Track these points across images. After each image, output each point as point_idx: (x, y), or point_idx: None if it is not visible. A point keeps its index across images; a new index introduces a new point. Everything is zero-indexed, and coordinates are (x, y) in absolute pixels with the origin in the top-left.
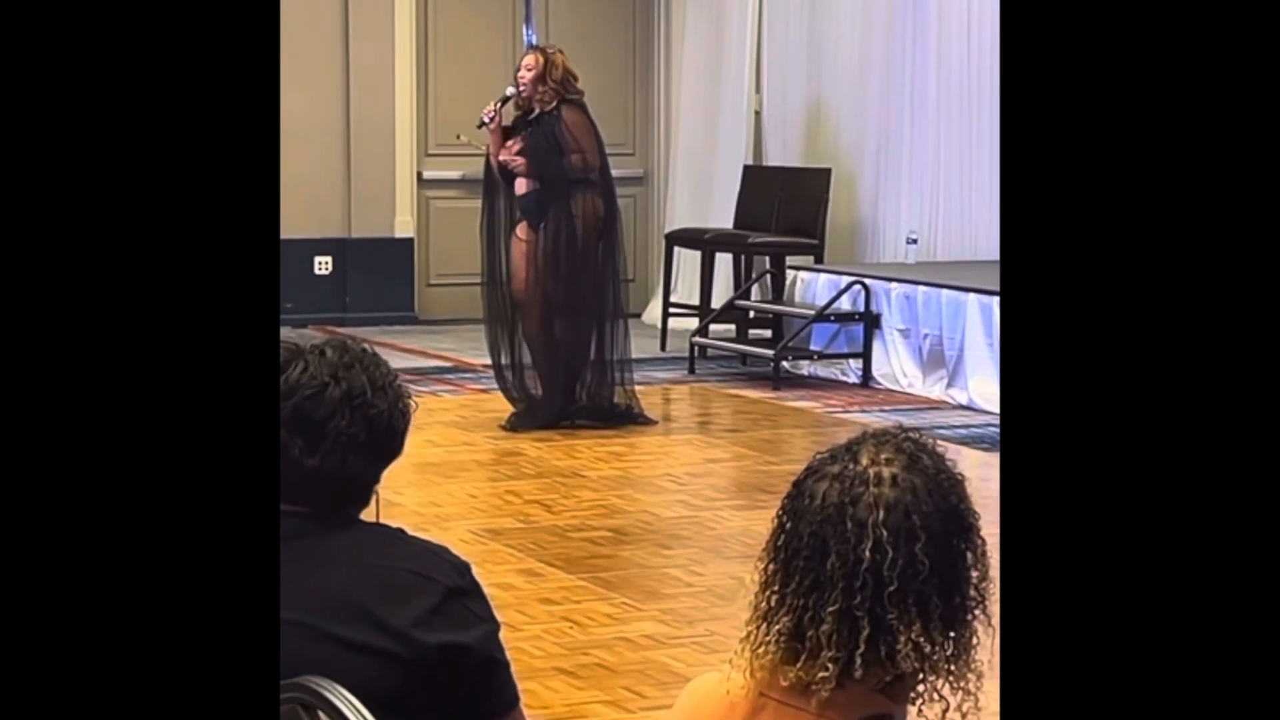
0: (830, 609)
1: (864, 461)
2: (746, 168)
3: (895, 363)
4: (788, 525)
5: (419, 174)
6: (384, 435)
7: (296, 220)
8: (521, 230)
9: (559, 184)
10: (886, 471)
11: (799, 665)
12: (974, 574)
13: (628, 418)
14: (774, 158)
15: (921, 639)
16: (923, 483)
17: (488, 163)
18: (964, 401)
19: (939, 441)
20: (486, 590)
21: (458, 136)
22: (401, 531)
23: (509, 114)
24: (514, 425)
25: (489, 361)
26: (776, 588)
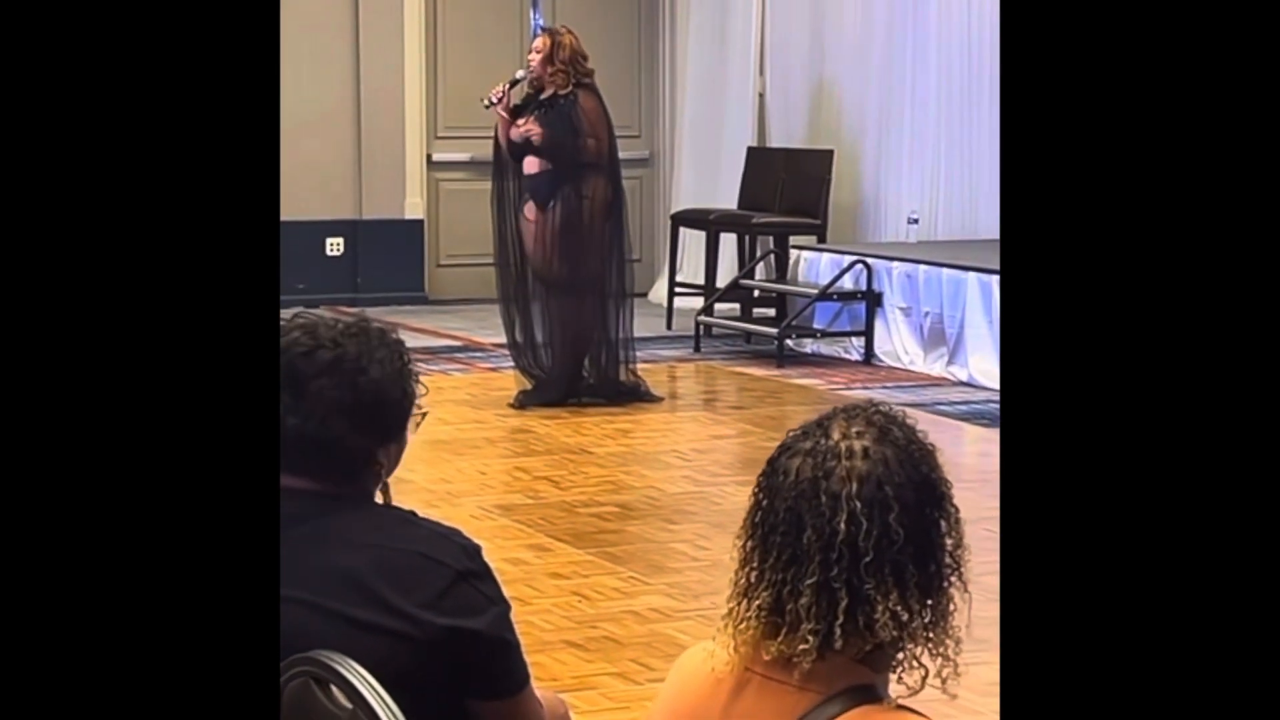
0: (808, 582)
1: (835, 436)
2: (750, 149)
3: (897, 340)
4: (764, 502)
5: (428, 156)
6: (371, 406)
7: (308, 202)
8: (529, 210)
9: (573, 166)
10: (858, 445)
11: (780, 639)
12: (948, 542)
13: (634, 395)
14: (777, 139)
15: (899, 608)
16: (894, 454)
17: (496, 142)
18: (964, 378)
19: (908, 413)
20: (496, 565)
21: (482, 99)
22: (413, 514)
23: (518, 95)
24: (523, 403)
25: (498, 340)
26: (755, 564)
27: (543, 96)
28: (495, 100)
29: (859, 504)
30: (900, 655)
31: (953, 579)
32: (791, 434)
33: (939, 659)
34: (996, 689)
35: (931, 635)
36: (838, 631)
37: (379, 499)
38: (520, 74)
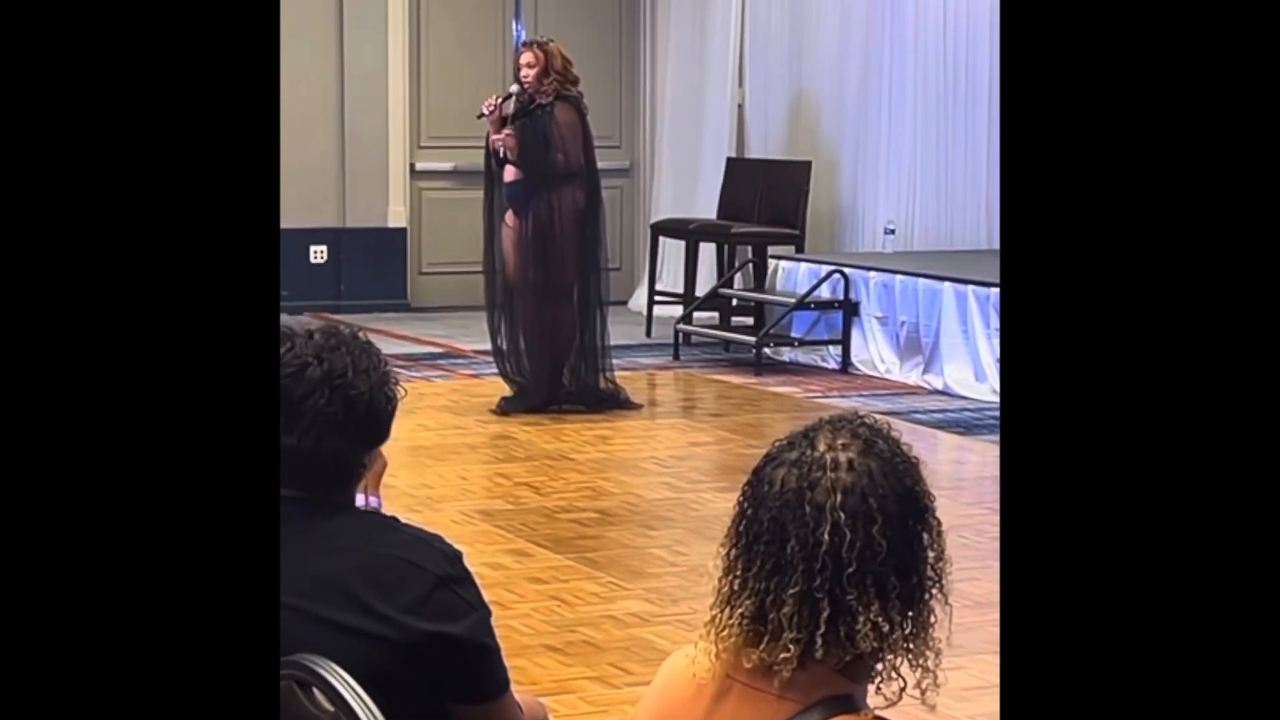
0: (791, 591)
1: (821, 447)
2: (729, 160)
3: (873, 349)
4: (749, 511)
5: (412, 165)
6: (364, 417)
7: (292, 210)
8: (509, 218)
9: (542, 177)
10: (843, 456)
11: (761, 647)
12: (930, 554)
13: (614, 402)
14: (756, 150)
15: (880, 619)
16: (878, 466)
17: (488, 152)
18: (939, 386)
19: (892, 424)
20: (477, 570)
21: (479, 114)
22: (394, 520)
23: (510, 107)
24: (504, 409)
25: (479, 347)
26: (739, 572)
27: (530, 107)
28: (487, 111)
29: (843, 515)
30: (880, 666)
31: (934, 591)
32: (777, 444)
33: (919, 670)
34: (971, 694)
35: (912, 646)
36: (819, 641)
37: (373, 502)
38: (514, 88)
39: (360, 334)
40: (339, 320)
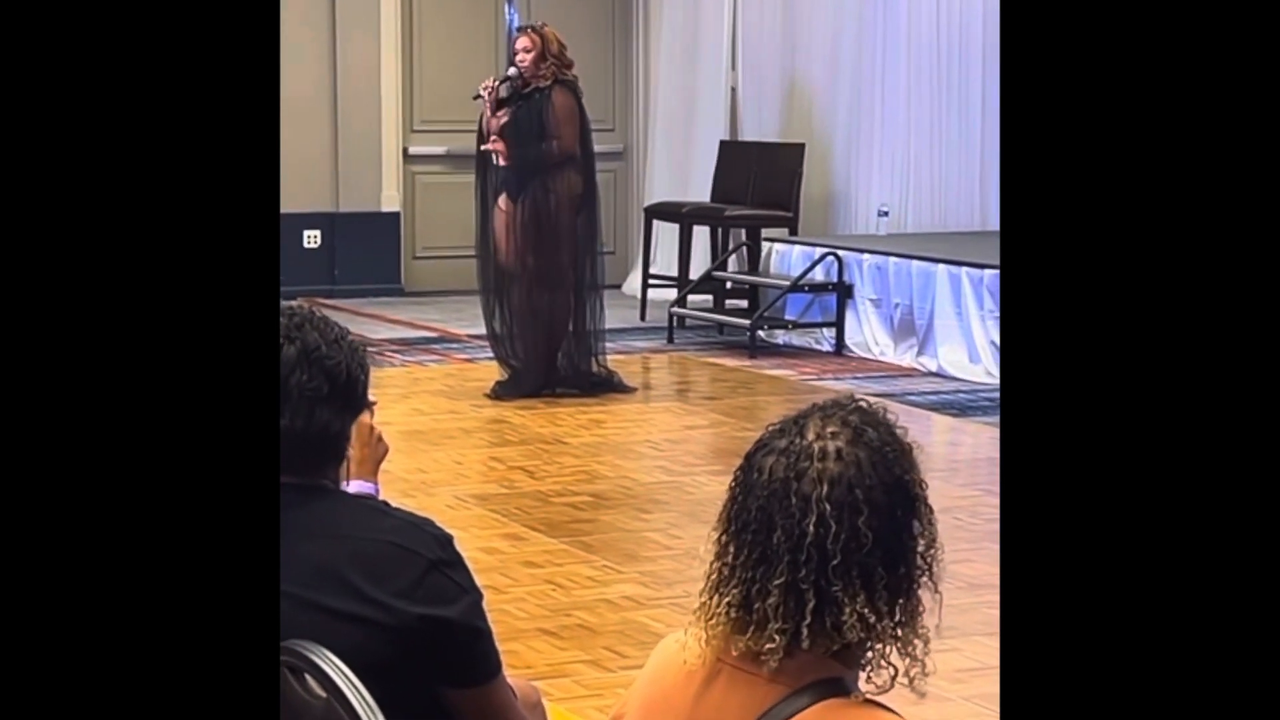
0: (776, 582)
1: (810, 436)
2: (723, 143)
3: (867, 331)
4: (738, 498)
5: (405, 149)
6: (346, 385)
7: (286, 195)
8: (503, 202)
9: (535, 165)
10: (831, 446)
11: (748, 635)
12: (920, 543)
13: (608, 386)
14: (750, 133)
15: (866, 610)
16: (867, 456)
17: (480, 134)
18: (934, 369)
19: (887, 407)
20: (471, 555)
21: (476, 94)
22: (385, 504)
23: (505, 90)
24: (498, 394)
25: (474, 331)
26: (727, 560)
27: (526, 91)
28: (484, 93)
29: (828, 506)
30: (869, 654)
31: (923, 580)
32: (769, 430)
33: (907, 659)
34: (966, 676)
35: (900, 635)
36: (805, 631)
37: (371, 488)
38: (511, 71)
39: (315, 310)
40: (332, 306)
